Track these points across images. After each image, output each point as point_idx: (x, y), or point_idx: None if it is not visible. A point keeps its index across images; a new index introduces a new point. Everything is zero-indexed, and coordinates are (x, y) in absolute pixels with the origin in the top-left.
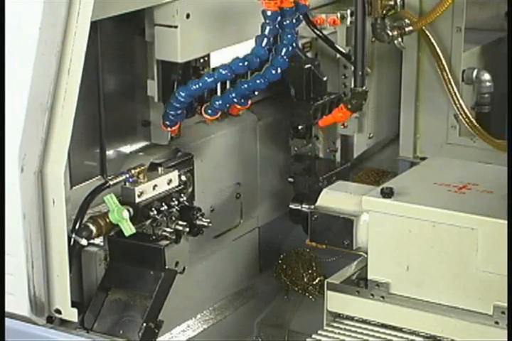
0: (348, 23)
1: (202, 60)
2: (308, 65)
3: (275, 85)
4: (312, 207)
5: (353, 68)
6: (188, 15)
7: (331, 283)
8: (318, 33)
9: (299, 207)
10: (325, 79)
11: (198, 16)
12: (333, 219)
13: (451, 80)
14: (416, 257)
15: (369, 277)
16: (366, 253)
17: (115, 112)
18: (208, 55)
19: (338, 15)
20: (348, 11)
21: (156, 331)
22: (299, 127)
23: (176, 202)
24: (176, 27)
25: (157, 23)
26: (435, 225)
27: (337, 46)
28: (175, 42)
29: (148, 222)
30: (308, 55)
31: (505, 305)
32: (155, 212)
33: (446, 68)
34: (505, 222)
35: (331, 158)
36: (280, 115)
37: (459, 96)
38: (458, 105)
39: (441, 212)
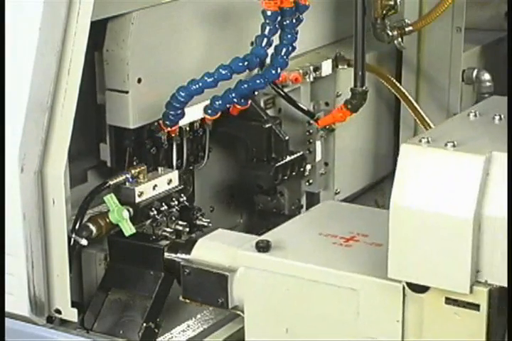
0: (312, 78)
1: (156, 123)
2: (269, 125)
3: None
4: (187, 257)
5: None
6: (139, 80)
7: None
8: (279, 91)
9: (173, 257)
10: (286, 138)
11: (150, 80)
12: (206, 274)
13: (424, 117)
14: (295, 319)
15: (246, 339)
16: (244, 313)
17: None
18: None
19: (301, 71)
20: (311, 67)
21: (156, 331)
22: None
23: (176, 202)
24: (127, 92)
25: (108, 87)
26: (313, 284)
27: (299, 104)
28: (126, 107)
29: (148, 221)
30: (271, 111)
31: None
32: (155, 212)
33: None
34: (388, 282)
35: (295, 215)
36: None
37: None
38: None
39: (319, 269)
